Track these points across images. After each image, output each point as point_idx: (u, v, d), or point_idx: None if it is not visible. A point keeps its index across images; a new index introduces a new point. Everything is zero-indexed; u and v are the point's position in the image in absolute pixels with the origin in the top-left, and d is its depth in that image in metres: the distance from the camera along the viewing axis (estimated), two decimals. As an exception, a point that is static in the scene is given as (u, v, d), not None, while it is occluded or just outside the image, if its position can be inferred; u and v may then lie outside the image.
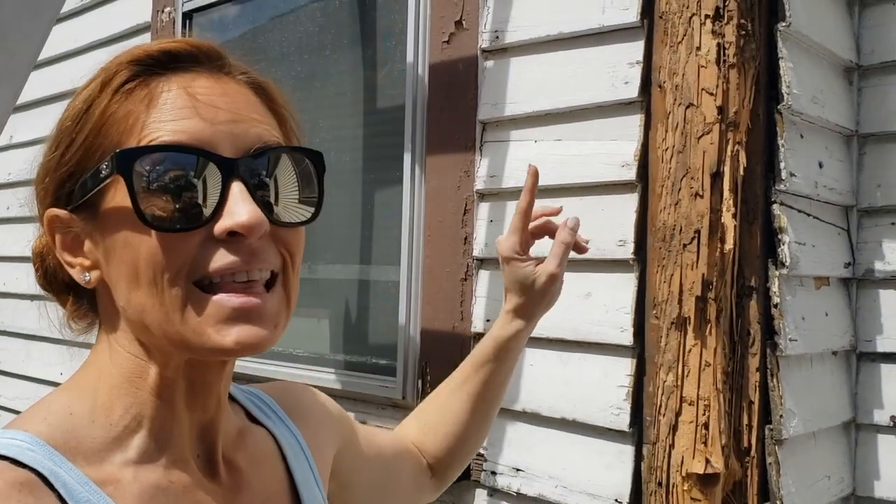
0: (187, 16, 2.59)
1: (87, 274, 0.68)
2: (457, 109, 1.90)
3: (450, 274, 1.89)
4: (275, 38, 2.38)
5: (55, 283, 0.73)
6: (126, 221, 0.64)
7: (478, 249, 1.85)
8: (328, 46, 2.23)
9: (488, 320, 1.80)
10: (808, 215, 1.69)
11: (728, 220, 1.53)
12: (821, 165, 1.72)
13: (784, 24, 1.60)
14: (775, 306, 1.58)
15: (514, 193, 1.81)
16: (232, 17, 2.52)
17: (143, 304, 0.64)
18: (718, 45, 1.54)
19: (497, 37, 1.84)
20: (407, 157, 2.00)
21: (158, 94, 0.65)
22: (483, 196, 1.87)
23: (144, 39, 2.77)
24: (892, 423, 1.75)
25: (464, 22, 1.89)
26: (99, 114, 0.65)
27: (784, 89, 1.59)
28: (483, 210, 1.87)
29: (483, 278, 1.85)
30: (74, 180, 0.66)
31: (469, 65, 1.88)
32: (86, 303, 0.73)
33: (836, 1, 1.80)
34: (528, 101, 1.79)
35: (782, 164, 1.59)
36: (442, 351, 1.88)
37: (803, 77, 1.65)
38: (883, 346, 1.78)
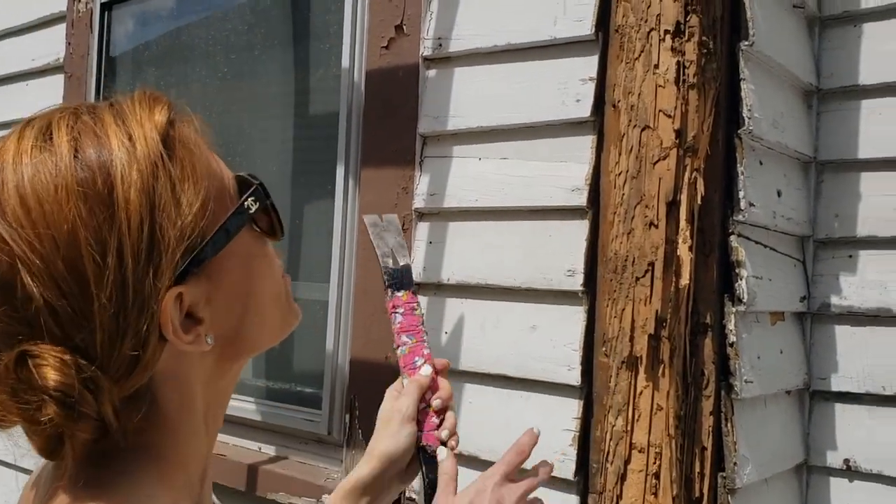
0: (106, 7, 2.39)
1: (209, 336, 0.64)
2: (395, 120, 1.76)
3: (384, 299, 1.74)
4: (200, 35, 2.19)
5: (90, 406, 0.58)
6: (251, 250, 0.69)
7: (415, 273, 1.70)
8: (257, 46, 2.06)
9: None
10: (765, 247, 1.59)
11: (684, 252, 1.41)
12: (779, 194, 1.63)
13: (747, 42, 1.49)
14: (731, 345, 1.47)
15: (455, 213, 1.67)
16: (153, 11, 2.32)
17: (265, 318, 0.70)
18: (678, 63, 1.43)
19: (440, 44, 1.70)
20: (340, 169, 1.84)
21: (190, 141, 0.66)
22: (422, 215, 1.73)
23: (58, 30, 2.55)
24: (845, 466, 1.67)
25: (405, 27, 1.74)
26: (182, 168, 0.63)
27: (745, 113, 1.49)
28: (422, 230, 1.72)
29: (421, 305, 1.70)
30: (197, 242, 0.62)
31: (409, 73, 1.74)
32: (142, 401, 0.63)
33: (798, 21, 1.71)
34: (472, 115, 1.65)
35: (741, 194, 1.48)
36: (373, 383, 1.73)
37: (764, 100, 1.55)
38: (837, 384, 1.70)
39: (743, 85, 1.50)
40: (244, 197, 0.67)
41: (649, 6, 1.46)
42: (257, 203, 0.68)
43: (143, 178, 0.59)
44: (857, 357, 1.68)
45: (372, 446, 0.98)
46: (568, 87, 1.53)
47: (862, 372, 1.67)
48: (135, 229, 0.58)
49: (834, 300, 1.71)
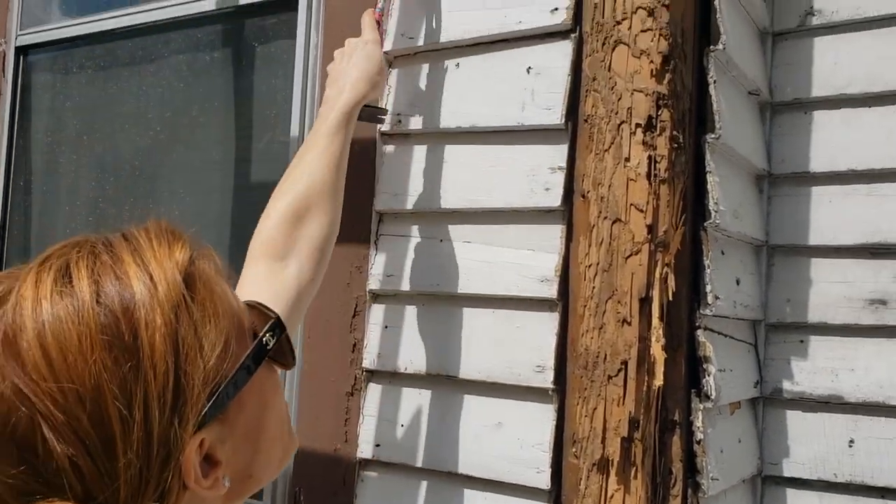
0: (22, 51, 2.21)
1: (226, 479, 0.63)
2: (350, 195, 1.66)
3: (334, 385, 1.64)
4: (130, 89, 2.05)
5: None
6: (265, 383, 0.68)
7: (369, 359, 1.62)
8: (195, 107, 1.94)
9: (378, 445, 1.57)
10: (726, 336, 1.59)
11: (657, 351, 1.38)
12: (738, 282, 1.63)
13: (713, 135, 1.49)
14: (698, 442, 1.45)
15: (414, 297, 1.60)
16: (76, 58, 2.16)
17: (271, 454, 0.70)
18: (650, 157, 1.41)
19: (399, 120, 1.63)
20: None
21: (210, 278, 0.65)
22: (377, 297, 1.65)
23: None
24: (797, 553, 1.67)
25: (361, 99, 1.66)
26: (204, 309, 0.62)
27: (711, 206, 1.48)
28: (377, 313, 1.64)
29: (374, 393, 1.61)
30: (219, 384, 0.62)
31: (366, 147, 1.66)
32: None
33: (752, 107, 1.73)
34: (433, 195, 1.59)
35: (708, 287, 1.47)
36: (320, 476, 1.62)
37: (727, 190, 1.55)
38: (789, 470, 1.70)
39: (709, 177, 1.49)
40: (263, 332, 0.68)
41: (620, 98, 1.44)
42: (274, 338, 0.69)
43: (167, 323, 0.58)
44: (809, 443, 1.69)
45: (354, 71, 1.39)
46: (537, 174, 1.48)
47: (813, 458, 1.68)
48: (160, 378, 0.56)
49: (786, 385, 1.72)
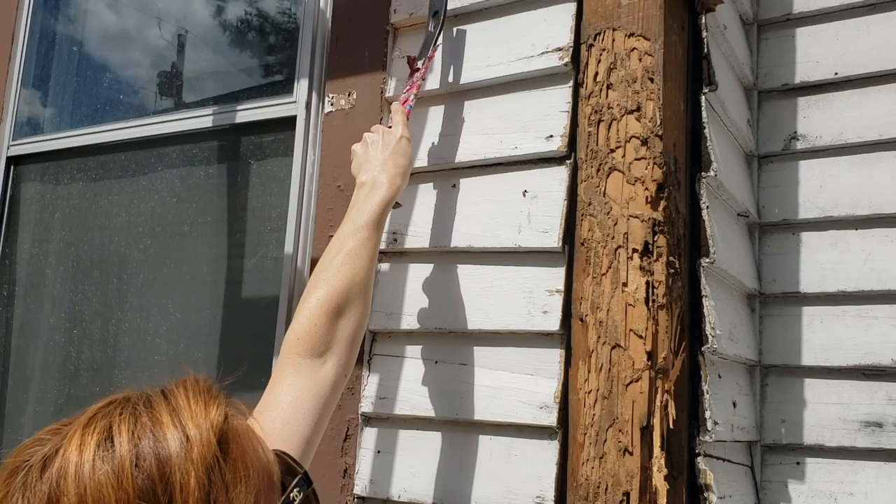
0: (13, 161, 2.21)
1: None
2: (342, 315, 1.65)
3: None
4: (121, 202, 2.05)
5: None
6: None
7: (360, 486, 1.57)
8: (188, 221, 1.93)
9: (371, 576, 1.51)
10: (725, 461, 1.57)
11: (659, 481, 1.36)
12: (734, 405, 1.62)
13: (708, 260, 1.51)
14: (703, 575, 1.41)
15: (408, 421, 1.57)
16: (68, 170, 2.16)
17: None
18: (647, 283, 1.41)
19: (395, 239, 1.64)
20: (276, 362, 1.71)
21: (242, 435, 0.68)
22: (369, 420, 1.61)
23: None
24: None
25: (356, 218, 1.67)
26: (236, 469, 0.65)
27: (708, 330, 1.48)
28: (368, 437, 1.60)
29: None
30: None
31: (360, 266, 1.65)
32: None
33: (742, 228, 1.76)
34: (429, 314, 1.58)
35: (707, 413, 1.45)
36: None
37: (721, 313, 1.56)
38: None
39: (705, 301, 1.50)
40: (290, 488, 0.72)
41: (616, 223, 1.45)
42: (301, 493, 0.72)
43: (201, 486, 0.61)
44: (811, 570, 1.65)
45: (391, 167, 1.41)
46: (534, 296, 1.48)
47: (817, 587, 1.64)
48: None
49: (784, 509, 1.69)
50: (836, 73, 1.78)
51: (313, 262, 1.71)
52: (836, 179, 1.75)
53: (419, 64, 1.60)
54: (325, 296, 1.23)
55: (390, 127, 1.49)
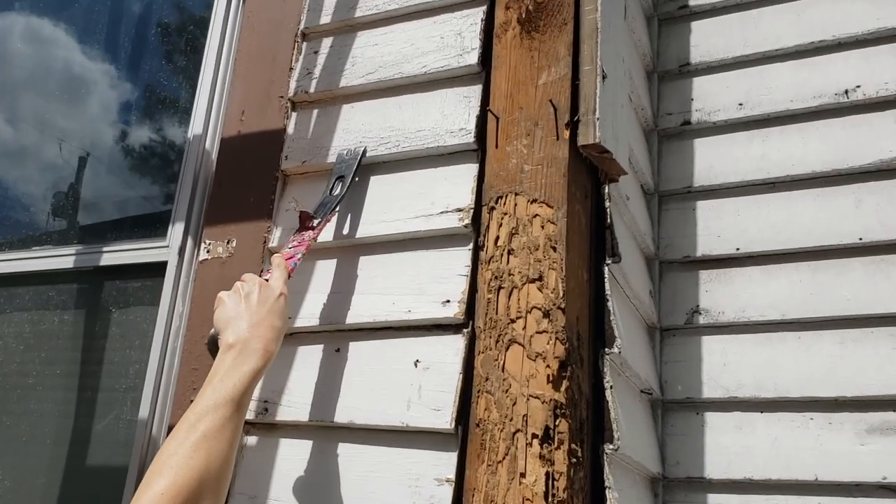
0: None
1: None
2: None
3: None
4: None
5: None
6: None
7: None
8: (34, 373, 1.69)
9: None
10: None
11: None
12: None
13: (612, 447, 1.38)
14: None
15: None
16: None
17: None
18: (547, 474, 1.27)
19: (266, 409, 1.45)
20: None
21: None
22: None
23: None
24: None
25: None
26: None
27: (612, 527, 1.34)
28: None
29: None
30: None
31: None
32: None
33: (645, 408, 1.66)
34: (300, 502, 1.37)
35: None
36: None
37: (625, 505, 1.42)
38: None
39: (608, 494, 1.36)
40: None
41: (514, 403, 1.32)
42: None
43: None
44: None
45: (266, 328, 1.20)
46: (420, 486, 1.31)
47: None
48: None
49: None
50: (737, 249, 1.75)
51: (170, 430, 1.49)
52: (740, 358, 1.69)
53: (315, 223, 1.47)
54: (169, 487, 1.00)
55: (267, 280, 1.32)
